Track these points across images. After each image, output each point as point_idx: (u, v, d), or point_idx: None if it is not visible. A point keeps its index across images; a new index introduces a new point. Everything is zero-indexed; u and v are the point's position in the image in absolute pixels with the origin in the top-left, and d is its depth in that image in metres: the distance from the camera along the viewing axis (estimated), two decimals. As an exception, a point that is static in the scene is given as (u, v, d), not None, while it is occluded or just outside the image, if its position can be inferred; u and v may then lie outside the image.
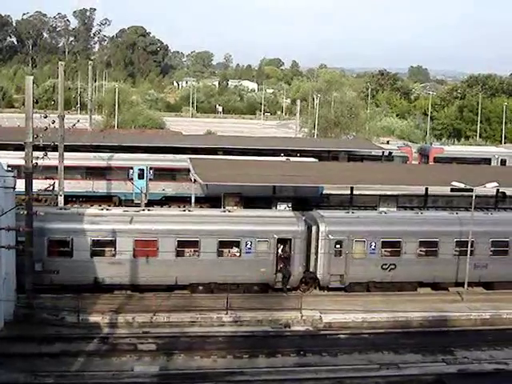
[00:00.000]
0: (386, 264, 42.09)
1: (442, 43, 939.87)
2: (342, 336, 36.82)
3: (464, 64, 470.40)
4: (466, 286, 41.68)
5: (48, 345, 33.26)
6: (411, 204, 65.51)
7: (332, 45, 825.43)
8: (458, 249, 42.48)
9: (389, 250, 42.28)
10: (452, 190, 53.08)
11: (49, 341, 33.62)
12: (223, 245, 40.36)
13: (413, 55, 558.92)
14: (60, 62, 53.13)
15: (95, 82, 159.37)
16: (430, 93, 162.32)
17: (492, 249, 43.21)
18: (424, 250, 42.67)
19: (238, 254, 40.54)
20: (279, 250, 41.06)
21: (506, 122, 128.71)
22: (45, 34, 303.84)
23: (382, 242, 41.95)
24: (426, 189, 55.84)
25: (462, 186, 42.83)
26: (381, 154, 76.40)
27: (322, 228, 41.35)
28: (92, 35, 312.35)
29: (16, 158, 48.81)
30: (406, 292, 42.45)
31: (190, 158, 55.39)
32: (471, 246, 41.60)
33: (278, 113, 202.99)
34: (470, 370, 33.10)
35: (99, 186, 60.74)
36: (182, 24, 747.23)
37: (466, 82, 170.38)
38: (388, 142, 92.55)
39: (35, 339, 33.58)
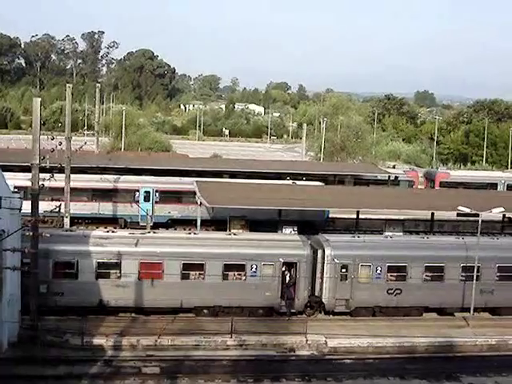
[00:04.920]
0: (391, 289, 41.93)
1: (449, 68, 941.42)
2: (347, 361, 36.60)
3: (470, 89, 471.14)
4: (472, 311, 41.55)
5: (52, 367, 33.14)
6: (417, 228, 65.26)
7: (338, 69, 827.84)
8: (464, 274, 42.33)
9: (394, 274, 42.12)
10: (458, 214, 52.88)
11: (53, 363, 33.53)
12: (228, 268, 40.28)
13: (419, 80, 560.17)
14: (68, 84, 53.33)
15: (103, 104, 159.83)
16: (437, 117, 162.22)
17: (498, 274, 43.05)
18: (430, 274, 42.49)
19: (243, 278, 40.49)
20: (285, 274, 41.00)
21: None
22: (53, 56, 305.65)
23: (388, 266, 41.82)
24: (432, 213, 55.69)
25: (468, 210, 42.76)
26: (387, 178, 76.21)
27: (327, 252, 41.26)
28: (100, 58, 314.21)
29: (23, 179, 48.88)
30: (412, 317, 42.28)
31: (196, 181, 55.41)
32: (477, 271, 41.49)
33: (285, 136, 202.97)
34: (476, 396, 32.97)
35: (105, 208, 60.75)
36: (189, 47, 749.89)
37: (472, 107, 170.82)
38: (394, 167, 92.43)
39: (39, 361, 33.51)
